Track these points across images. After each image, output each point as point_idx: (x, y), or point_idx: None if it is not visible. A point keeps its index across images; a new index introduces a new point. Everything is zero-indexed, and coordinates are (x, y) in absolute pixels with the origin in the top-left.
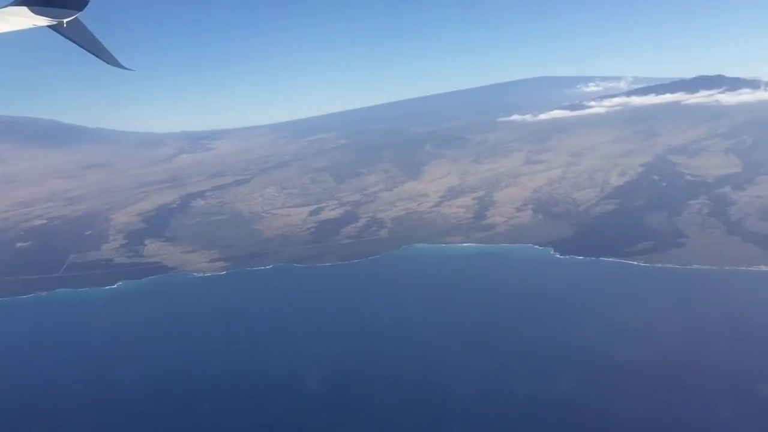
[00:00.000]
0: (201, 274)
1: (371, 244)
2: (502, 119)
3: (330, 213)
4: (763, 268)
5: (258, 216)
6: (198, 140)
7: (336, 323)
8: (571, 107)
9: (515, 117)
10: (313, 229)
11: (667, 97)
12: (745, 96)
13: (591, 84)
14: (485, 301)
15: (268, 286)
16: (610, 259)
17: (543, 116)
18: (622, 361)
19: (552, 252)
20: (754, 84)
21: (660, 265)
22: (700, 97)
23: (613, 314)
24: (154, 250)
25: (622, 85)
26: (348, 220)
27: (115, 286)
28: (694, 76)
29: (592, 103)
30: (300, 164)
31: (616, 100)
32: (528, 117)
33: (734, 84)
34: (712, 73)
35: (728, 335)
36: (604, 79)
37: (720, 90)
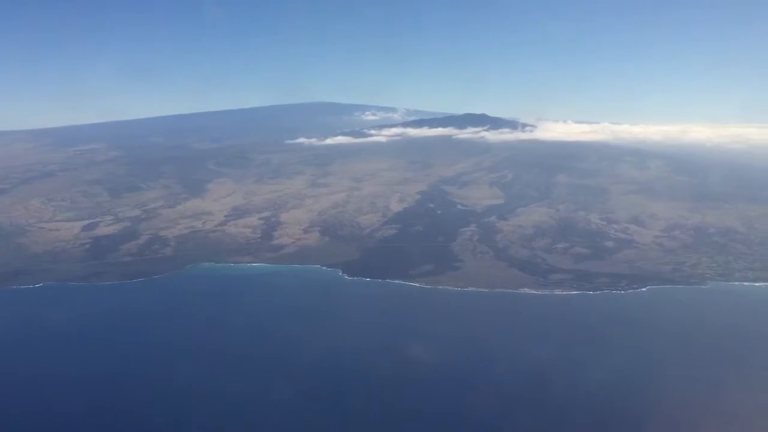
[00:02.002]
0: None
1: (155, 263)
2: (289, 141)
3: (106, 229)
4: (527, 290)
5: (22, 229)
6: None
7: (94, 344)
8: (354, 134)
9: (302, 140)
10: (87, 246)
11: (440, 131)
12: (506, 135)
13: (368, 113)
14: (261, 321)
15: (34, 307)
16: (396, 281)
17: (329, 141)
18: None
19: (340, 273)
20: (513, 124)
21: (441, 287)
22: (468, 133)
23: (394, 333)
24: None
25: (397, 116)
26: (127, 237)
27: None
28: (462, 113)
29: (373, 132)
30: (68, 175)
31: (395, 130)
32: (314, 141)
33: (496, 123)
34: (477, 112)
35: (505, 347)
36: (380, 108)
37: (485, 128)
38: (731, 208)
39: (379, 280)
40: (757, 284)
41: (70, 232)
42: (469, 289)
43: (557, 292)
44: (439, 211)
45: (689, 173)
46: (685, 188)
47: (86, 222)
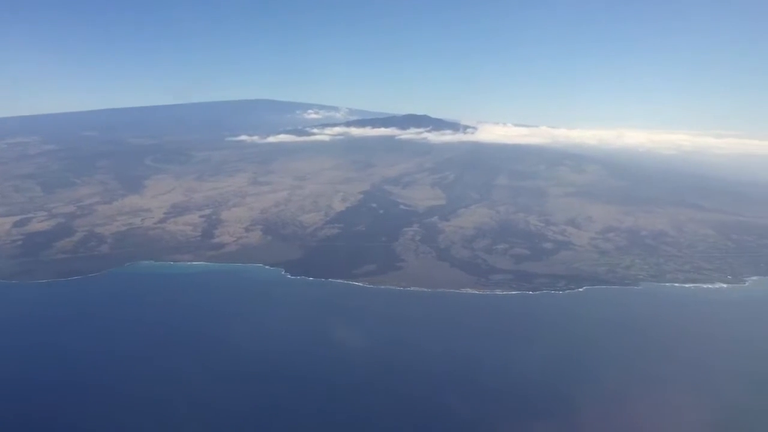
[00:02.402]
0: None
1: (91, 260)
2: (230, 138)
3: (39, 225)
4: (469, 290)
5: None
6: None
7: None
8: (297, 132)
9: (243, 137)
10: (19, 242)
11: (383, 131)
12: (447, 136)
13: (311, 111)
14: (196, 321)
15: None
16: (339, 281)
17: (271, 139)
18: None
19: (283, 272)
20: (454, 126)
21: (383, 286)
22: (411, 133)
23: (331, 333)
24: None
25: (340, 115)
26: (61, 234)
27: None
28: (405, 114)
29: (316, 130)
30: None
31: (337, 129)
32: (256, 138)
33: (438, 125)
34: (419, 113)
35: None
36: (322, 107)
37: (427, 129)
38: (662, 211)
39: (322, 280)
40: (686, 285)
41: (1, 228)
42: (412, 288)
43: (498, 292)
44: (381, 211)
45: (623, 177)
46: (620, 192)
47: (18, 218)
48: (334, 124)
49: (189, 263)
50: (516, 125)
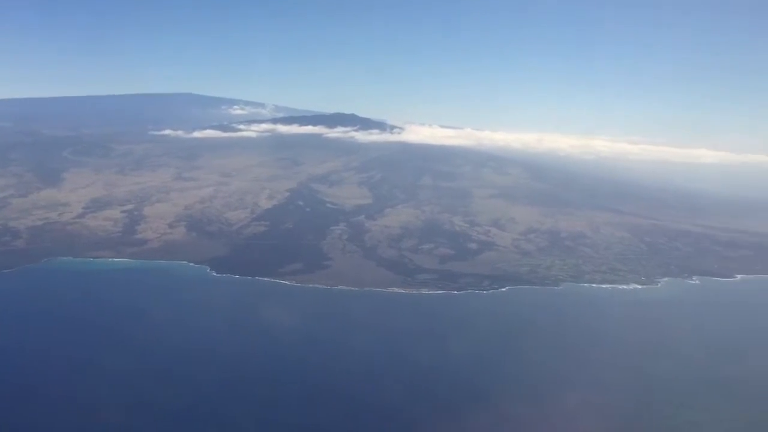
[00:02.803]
0: None
1: (5, 256)
2: (154, 132)
3: None
4: (396, 289)
5: None
6: None
7: None
8: (223, 128)
9: (167, 132)
10: None
11: (310, 129)
12: (374, 136)
13: (236, 107)
14: (114, 320)
15: None
16: (265, 279)
17: (197, 134)
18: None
19: (208, 270)
20: (381, 126)
21: (311, 285)
22: (338, 132)
23: (252, 332)
24: None
25: (266, 112)
26: None
27: None
28: (332, 112)
29: (242, 127)
30: None
31: (264, 126)
32: (180, 133)
33: (366, 124)
34: (347, 112)
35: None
36: (248, 103)
37: (354, 128)
38: (581, 214)
39: (249, 278)
40: (603, 286)
41: None
42: (339, 287)
43: (424, 291)
44: (308, 209)
45: (544, 180)
46: (541, 195)
47: None
48: (261, 121)
49: (110, 260)
50: (442, 127)
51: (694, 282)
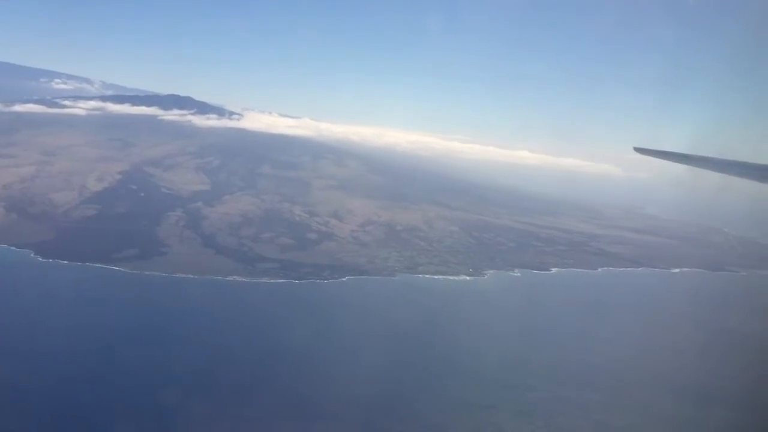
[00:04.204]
0: None
1: None
2: None
3: None
4: (237, 278)
5: None
6: None
7: None
8: (46, 103)
9: None
10: None
11: (144, 110)
12: (212, 121)
13: (58, 81)
14: None
15: None
16: (97, 265)
17: (17, 108)
18: None
19: (33, 255)
20: (219, 111)
21: (147, 272)
22: (174, 115)
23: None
24: None
25: (93, 89)
26: None
27: None
28: (167, 93)
29: (68, 103)
30: None
31: (93, 104)
32: None
33: (203, 108)
34: (183, 94)
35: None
36: (71, 77)
37: (191, 112)
38: (416, 208)
39: (79, 264)
40: (436, 277)
41: None
42: (178, 275)
43: (265, 280)
44: (142, 194)
45: (381, 174)
46: (378, 188)
47: None
48: (89, 98)
49: None
50: (281, 115)
51: (515, 274)
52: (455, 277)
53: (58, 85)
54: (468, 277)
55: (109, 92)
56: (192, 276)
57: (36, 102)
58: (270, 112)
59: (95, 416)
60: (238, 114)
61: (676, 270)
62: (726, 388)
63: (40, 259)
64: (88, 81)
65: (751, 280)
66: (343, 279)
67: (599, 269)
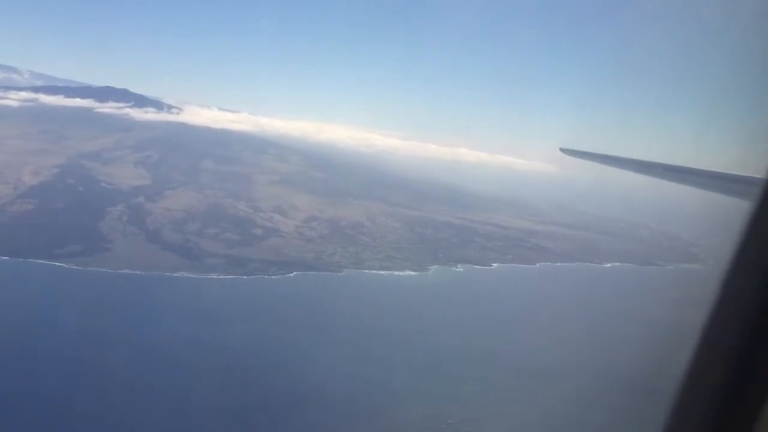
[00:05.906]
0: None
1: None
2: None
3: None
4: (185, 274)
5: None
6: None
7: None
8: None
9: None
10: None
11: (78, 102)
12: (151, 115)
13: None
14: None
15: None
16: (39, 261)
17: None
18: None
19: None
20: (158, 104)
21: (92, 268)
22: (111, 107)
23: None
24: None
25: (22, 79)
26: None
27: None
28: (102, 85)
29: None
30: None
31: (24, 95)
32: None
33: (140, 101)
34: (119, 86)
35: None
36: None
37: (128, 104)
38: (358, 204)
39: (19, 260)
40: (381, 272)
41: None
42: (125, 271)
43: (213, 276)
44: (80, 188)
45: (323, 170)
46: (320, 183)
47: None
48: (18, 89)
49: None
50: (221, 109)
51: (458, 269)
52: (400, 273)
53: None
54: (413, 273)
55: (39, 83)
56: (139, 272)
57: None
58: (209, 107)
59: None
60: (177, 108)
61: (608, 265)
62: (634, 371)
63: None
64: (15, 71)
65: (677, 274)
66: (291, 275)
67: (537, 264)
